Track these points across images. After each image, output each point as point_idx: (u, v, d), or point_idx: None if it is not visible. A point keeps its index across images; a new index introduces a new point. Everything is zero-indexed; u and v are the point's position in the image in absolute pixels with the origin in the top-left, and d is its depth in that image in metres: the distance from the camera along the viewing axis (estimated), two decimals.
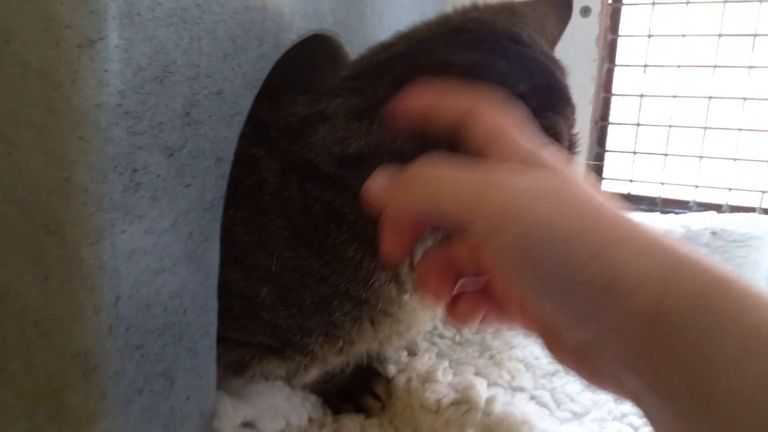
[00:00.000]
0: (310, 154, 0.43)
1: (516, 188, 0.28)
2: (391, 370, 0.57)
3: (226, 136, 0.40)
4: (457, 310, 0.36)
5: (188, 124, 0.36)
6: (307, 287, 0.43)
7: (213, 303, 0.41)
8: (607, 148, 1.03)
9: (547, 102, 0.42)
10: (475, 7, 0.49)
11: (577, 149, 0.45)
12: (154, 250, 0.35)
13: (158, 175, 0.34)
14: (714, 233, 0.84)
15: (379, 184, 0.33)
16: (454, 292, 0.35)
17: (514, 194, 0.28)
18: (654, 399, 0.26)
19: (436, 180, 0.31)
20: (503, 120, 0.33)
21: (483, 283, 0.36)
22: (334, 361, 0.49)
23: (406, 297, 0.46)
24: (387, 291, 0.45)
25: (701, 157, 0.96)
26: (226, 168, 0.40)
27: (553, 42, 0.53)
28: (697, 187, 0.98)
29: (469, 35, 0.44)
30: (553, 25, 0.52)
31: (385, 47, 0.46)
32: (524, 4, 0.51)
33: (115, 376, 0.34)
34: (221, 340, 0.43)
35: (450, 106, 0.35)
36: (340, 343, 0.46)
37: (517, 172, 0.30)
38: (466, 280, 0.36)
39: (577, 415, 0.53)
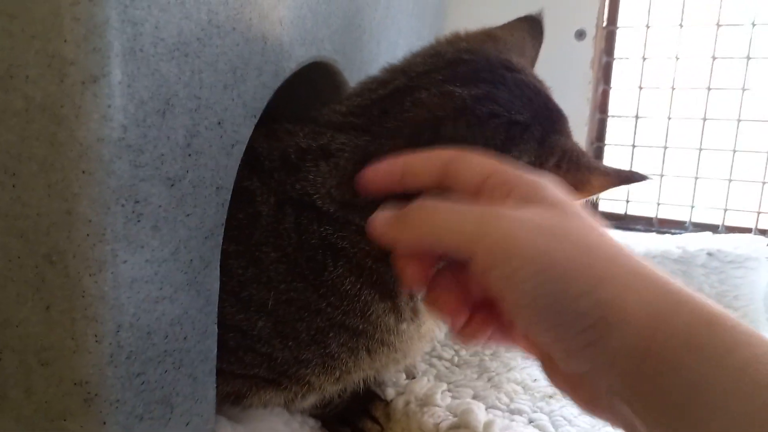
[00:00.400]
0: (309, 189, 0.43)
1: (514, 222, 0.29)
2: (390, 393, 0.57)
3: (227, 164, 0.41)
4: (466, 329, 0.36)
5: (189, 155, 0.37)
6: (302, 320, 0.43)
7: (213, 329, 0.42)
8: None
9: (548, 125, 0.44)
10: (459, 37, 0.50)
11: (582, 157, 0.45)
12: (154, 278, 0.36)
13: (160, 206, 0.35)
14: (710, 254, 0.85)
15: (382, 220, 0.34)
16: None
17: (513, 227, 0.29)
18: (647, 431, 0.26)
19: (436, 214, 0.32)
20: (492, 159, 0.34)
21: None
22: (331, 389, 0.49)
23: (404, 326, 0.46)
24: (385, 321, 0.45)
25: (696, 177, 0.97)
26: (227, 196, 0.41)
27: (532, 64, 0.54)
28: (692, 207, 0.98)
29: (467, 67, 0.45)
30: (530, 47, 0.54)
31: (381, 82, 0.46)
32: (501, 30, 0.52)
33: (115, 403, 0.35)
34: (218, 372, 0.43)
35: (430, 159, 0.35)
36: (337, 373, 0.46)
37: (516, 206, 0.31)
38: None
39: None
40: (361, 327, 0.44)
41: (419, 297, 0.47)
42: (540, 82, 0.47)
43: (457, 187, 0.34)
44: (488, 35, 0.50)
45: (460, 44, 0.48)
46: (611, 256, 0.28)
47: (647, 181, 0.43)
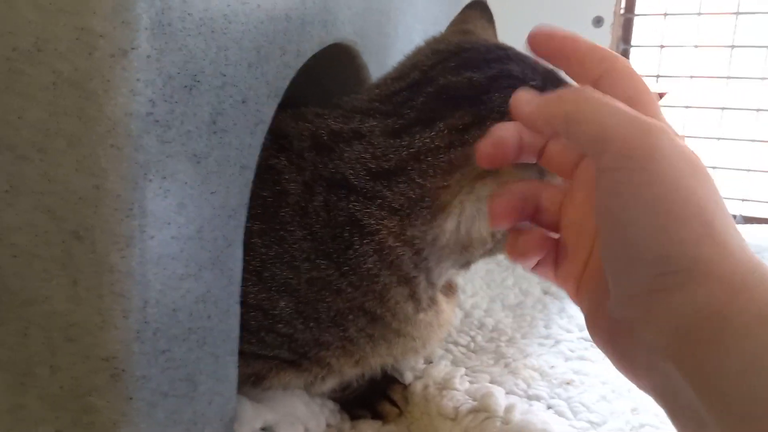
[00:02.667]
0: (343, 167, 0.43)
1: (670, 140, 0.28)
2: (408, 376, 0.57)
3: (250, 144, 0.41)
4: (517, 243, 0.37)
5: (214, 133, 0.37)
6: (324, 300, 0.44)
7: (235, 308, 0.42)
8: None
9: (557, 83, 0.45)
10: (443, 38, 0.52)
11: None
12: (180, 255, 0.35)
13: (186, 182, 0.35)
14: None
15: (529, 97, 0.33)
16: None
17: (666, 144, 0.27)
18: (693, 397, 0.26)
19: (605, 105, 0.30)
20: (644, 85, 0.33)
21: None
22: (350, 372, 0.49)
23: (422, 315, 0.46)
24: (403, 309, 0.45)
25: (714, 167, 0.96)
26: (250, 175, 0.41)
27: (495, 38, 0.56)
28: (744, 201, 0.98)
29: (471, 53, 0.46)
30: (492, 33, 0.56)
31: (397, 77, 0.48)
32: (462, 22, 0.55)
33: (141, 380, 0.35)
34: (239, 353, 0.43)
35: (598, 59, 0.34)
36: (356, 357, 0.46)
37: (667, 128, 0.29)
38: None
39: (594, 425, 0.53)
40: (379, 312, 0.44)
41: (438, 282, 0.47)
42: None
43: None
44: (463, 31, 0.53)
45: (451, 40, 0.50)
46: (722, 209, 0.27)
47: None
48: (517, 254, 0.37)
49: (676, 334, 0.26)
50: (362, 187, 0.43)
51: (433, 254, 0.44)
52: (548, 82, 0.45)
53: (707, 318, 0.25)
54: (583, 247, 0.35)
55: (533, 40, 0.37)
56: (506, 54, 0.46)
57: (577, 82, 0.36)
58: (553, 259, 0.37)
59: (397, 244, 0.43)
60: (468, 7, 0.58)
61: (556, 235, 0.37)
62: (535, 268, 0.38)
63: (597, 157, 0.29)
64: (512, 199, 0.37)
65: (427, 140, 0.42)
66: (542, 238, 0.37)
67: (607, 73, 0.33)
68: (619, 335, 0.31)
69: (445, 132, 0.42)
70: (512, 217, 0.37)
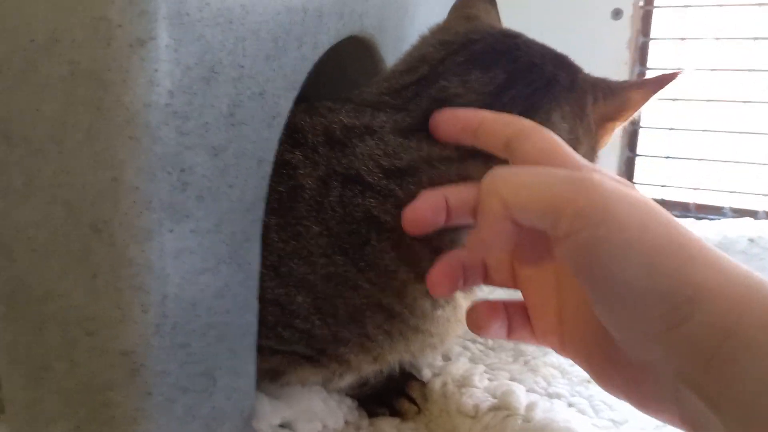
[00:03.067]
0: (357, 163, 0.43)
1: (607, 186, 0.28)
2: (426, 374, 0.57)
3: (268, 137, 0.40)
4: (472, 318, 0.38)
5: (232, 125, 0.36)
6: (341, 296, 0.43)
7: (253, 303, 0.41)
8: (638, 153, 1.02)
9: (569, 70, 0.46)
10: (446, 28, 0.52)
11: (610, 81, 0.48)
12: (199, 249, 0.35)
13: (204, 175, 0.34)
14: (751, 240, 0.83)
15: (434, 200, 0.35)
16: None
17: (606, 192, 0.27)
18: (719, 422, 0.25)
19: (519, 177, 0.31)
20: (556, 138, 0.34)
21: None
22: (368, 368, 0.48)
23: (440, 312, 0.45)
24: (421, 305, 0.44)
25: (736, 162, 0.95)
26: (267, 169, 0.40)
27: (499, 22, 0.57)
28: (732, 192, 0.96)
29: (480, 45, 0.47)
30: (495, 14, 0.57)
31: (405, 71, 0.48)
32: (465, 7, 0.55)
33: (160, 374, 0.34)
34: (256, 348, 0.43)
35: (506, 124, 0.36)
36: (375, 354, 0.45)
37: (602, 174, 0.30)
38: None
39: (616, 423, 0.52)
40: (396, 309, 0.44)
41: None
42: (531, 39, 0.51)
43: (515, 161, 0.33)
44: (467, 17, 0.53)
45: (458, 30, 0.50)
46: (692, 237, 0.27)
47: (681, 73, 0.45)
48: (476, 328, 0.38)
49: (697, 361, 0.25)
50: (376, 184, 0.43)
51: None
52: (560, 68, 0.46)
53: (722, 339, 0.24)
54: (548, 301, 0.35)
55: (437, 126, 0.39)
56: (515, 44, 0.47)
57: (489, 150, 0.37)
58: (523, 321, 0.37)
59: (415, 241, 0.42)
60: None
61: (516, 295, 0.38)
62: (510, 336, 0.38)
63: (552, 228, 0.28)
64: (449, 268, 0.38)
65: (437, 149, 0.43)
66: (492, 307, 0.38)
67: (515, 135, 0.34)
68: (635, 377, 0.30)
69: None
70: (452, 285, 0.38)
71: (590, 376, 0.33)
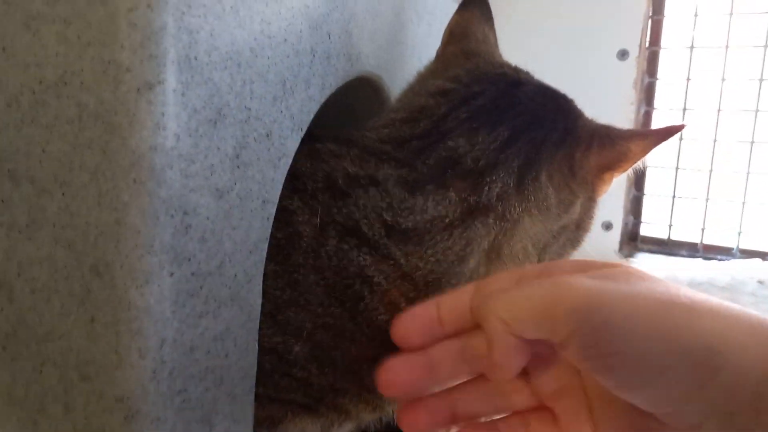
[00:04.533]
0: (357, 214, 0.42)
1: (586, 281, 0.28)
2: None
3: (273, 178, 0.40)
4: None
5: (238, 167, 0.36)
6: (338, 348, 0.42)
7: (254, 345, 0.40)
8: (645, 192, 1.02)
9: (570, 117, 0.46)
10: (446, 64, 0.52)
11: (611, 129, 0.47)
12: (199, 292, 0.35)
13: (207, 217, 0.34)
14: (761, 282, 0.82)
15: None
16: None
17: (587, 283, 0.28)
18: None
19: (500, 300, 0.30)
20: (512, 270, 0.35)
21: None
22: (368, 417, 0.47)
23: None
24: None
25: (744, 202, 0.94)
26: (272, 210, 0.40)
27: (497, 45, 0.57)
28: (740, 233, 0.95)
29: (482, 99, 0.46)
30: (492, 35, 0.57)
31: (405, 120, 0.47)
32: (463, 37, 0.54)
33: (156, 421, 0.33)
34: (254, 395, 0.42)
35: (457, 295, 0.35)
36: (374, 404, 0.44)
37: (576, 272, 0.30)
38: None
39: None
40: None
41: None
42: (528, 74, 0.51)
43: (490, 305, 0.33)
44: (466, 54, 0.53)
45: (457, 72, 0.50)
46: (701, 294, 0.27)
47: (683, 128, 0.45)
48: None
49: (743, 407, 0.24)
50: (375, 242, 0.42)
51: None
52: (558, 119, 0.45)
53: (764, 383, 0.24)
54: (580, 411, 0.33)
55: (403, 336, 0.36)
56: (517, 98, 0.46)
57: (459, 326, 0.34)
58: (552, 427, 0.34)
59: (411, 306, 0.41)
60: (464, 5, 0.57)
61: None
62: None
63: (553, 334, 0.28)
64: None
65: (441, 209, 0.42)
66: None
67: (476, 289, 0.34)
68: None
69: (457, 200, 0.43)
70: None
71: None
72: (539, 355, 0.32)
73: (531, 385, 0.34)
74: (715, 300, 0.27)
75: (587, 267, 0.31)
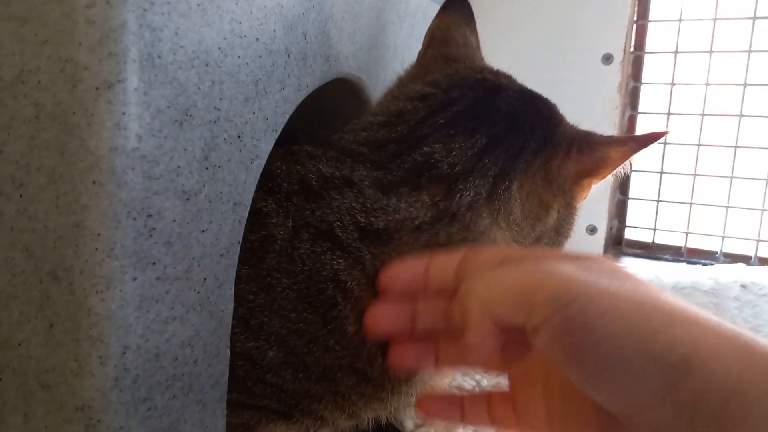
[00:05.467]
0: (331, 216, 0.42)
1: (567, 267, 0.28)
2: (408, 425, 0.54)
3: (245, 180, 0.39)
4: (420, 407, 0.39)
5: (206, 168, 0.35)
6: (312, 354, 0.41)
7: (225, 352, 0.39)
8: (630, 196, 1.01)
9: (550, 123, 0.46)
10: (421, 73, 0.52)
11: (591, 136, 0.47)
12: (165, 297, 0.33)
13: (174, 220, 0.33)
14: (744, 286, 0.81)
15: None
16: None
17: (568, 271, 0.28)
18: None
19: (482, 282, 0.31)
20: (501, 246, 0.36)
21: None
22: (344, 424, 0.46)
23: (418, 376, 0.44)
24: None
25: (728, 207, 0.94)
26: (244, 212, 0.39)
27: (478, 46, 0.57)
28: (724, 237, 0.95)
29: (461, 105, 0.46)
30: (474, 37, 0.56)
31: (382, 124, 0.47)
32: (444, 41, 0.54)
33: (119, 430, 0.32)
34: (226, 402, 0.41)
35: (446, 258, 0.37)
36: (350, 411, 0.44)
37: (562, 260, 0.30)
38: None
39: None
40: (369, 374, 0.42)
41: None
42: (510, 78, 0.50)
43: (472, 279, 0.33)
44: (446, 58, 0.52)
45: (436, 78, 0.49)
46: (671, 301, 0.27)
47: (666, 135, 0.45)
48: (424, 417, 0.40)
49: (707, 421, 0.24)
50: (348, 245, 0.41)
51: None
52: (536, 125, 0.45)
53: (728, 396, 0.23)
54: (535, 399, 0.34)
55: (389, 282, 0.39)
56: (496, 105, 0.46)
57: (441, 285, 0.37)
58: (509, 412, 0.36)
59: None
60: (445, 7, 0.56)
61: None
62: (494, 424, 0.37)
63: (528, 318, 0.28)
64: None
65: (413, 210, 0.42)
66: (444, 400, 0.39)
67: (465, 258, 0.35)
68: None
69: (429, 204, 0.42)
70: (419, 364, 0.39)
71: None
72: (510, 342, 0.32)
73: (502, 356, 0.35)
74: (695, 309, 0.27)
75: (574, 258, 0.31)
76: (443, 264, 0.37)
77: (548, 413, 0.33)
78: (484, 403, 0.37)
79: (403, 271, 0.39)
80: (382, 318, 0.38)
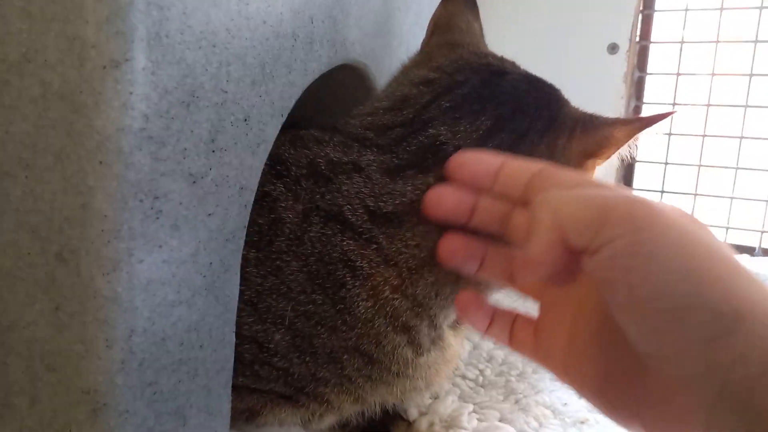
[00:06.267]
0: (341, 200, 0.42)
1: (655, 202, 0.27)
2: (413, 413, 0.54)
3: (251, 164, 0.39)
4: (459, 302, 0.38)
5: (213, 151, 0.35)
6: (319, 336, 0.41)
7: (230, 337, 0.39)
8: (634, 187, 1.01)
9: (555, 105, 0.45)
10: (426, 60, 0.51)
11: (596, 117, 0.47)
12: (172, 280, 0.33)
13: (180, 203, 0.33)
14: None
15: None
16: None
17: (653, 204, 0.27)
18: None
19: (572, 192, 0.30)
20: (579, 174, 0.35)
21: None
22: (350, 409, 0.46)
23: (424, 359, 0.44)
24: (402, 354, 0.43)
25: (732, 198, 0.94)
26: (250, 197, 0.39)
27: (482, 34, 0.57)
28: (728, 228, 0.95)
29: (465, 88, 0.45)
30: (478, 25, 0.56)
31: (388, 109, 0.47)
32: (447, 28, 0.54)
33: (124, 414, 0.32)
34: (232, 386, 0.41)
35: (523, 166, 0.36)
36: (356, 395, 0.44)
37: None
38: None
39: None
40: (375, 355, 0.42)
41: (443, 324, 0.45)
42: (514, 64, 0.50)
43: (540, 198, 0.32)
44: (450, 45, 0.52)
45: (440, 63, 0.49)
46: (738, 260, 0.27)
47: (672, 115, 0.44)
48: (462, 312, 0.38)
49: (748, 375, 0.23)
50: (358, 226, 0.41)
51: (437, 305, 0.42)
52: (542, 107, 0.45)
53: None
54: (562, 324, 0.33)
55: (459, 168, 0.38)
56: (501, 86, 0.46)
57: (507, 193, 0.36)
58: (528, 336, 0.36)
59: (396, 296, 0.41)
60: None
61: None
62: (512, 344, 0.37)
63: (596, 236, 0.27)
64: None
65: (420, 193, 0.41)
66: (477, 299, 0.38)
67: (539, 172, 0.34)
68: (658, 402, 0.28)
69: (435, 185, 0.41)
70: (466, 261, 0.38)
71: (597, 404, 0.31)
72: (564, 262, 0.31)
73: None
74: (749, 271, 0.27)
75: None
76: (517, 170, 0.35)
77: (569, 347, 0.32)
78: (509, 322, 0.37)
79: (477, 161, 0.37)
80: (444, 198, 0.37)
